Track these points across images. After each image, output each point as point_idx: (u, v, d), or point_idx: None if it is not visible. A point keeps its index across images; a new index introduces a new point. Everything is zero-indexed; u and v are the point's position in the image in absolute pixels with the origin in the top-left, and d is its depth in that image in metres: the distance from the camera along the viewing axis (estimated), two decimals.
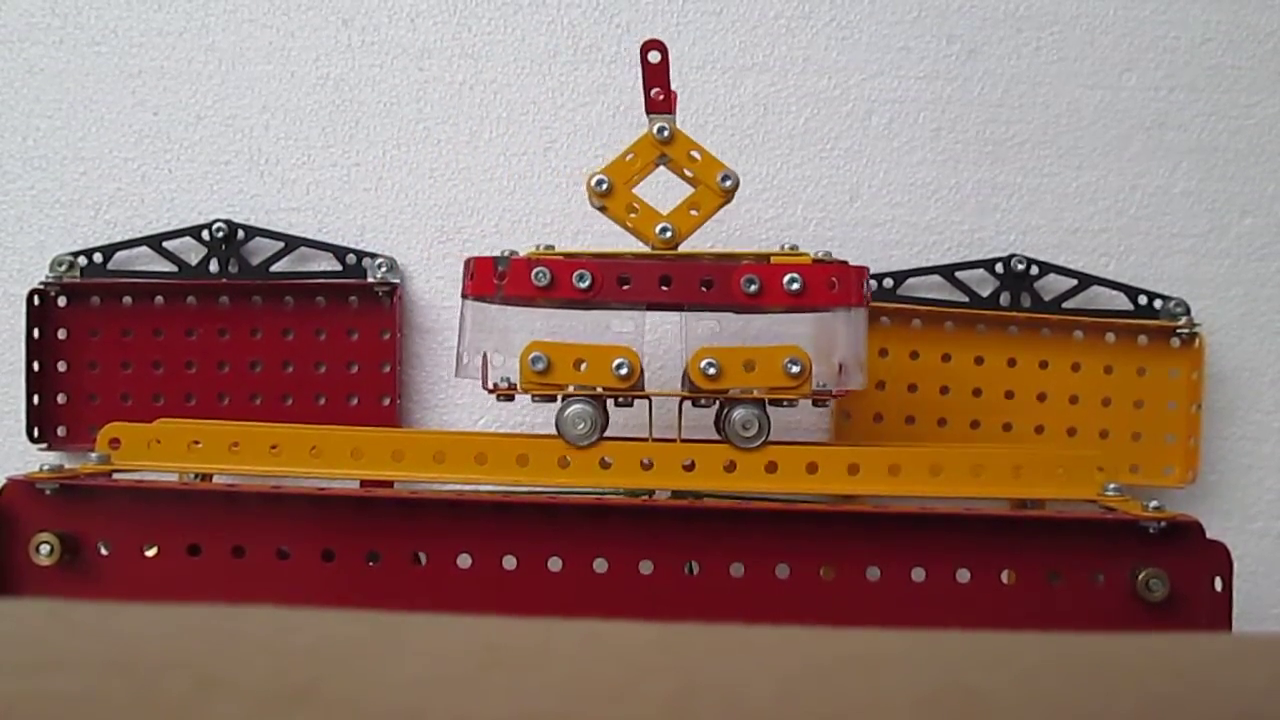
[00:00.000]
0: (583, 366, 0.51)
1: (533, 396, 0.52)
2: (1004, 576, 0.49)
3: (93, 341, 0.66)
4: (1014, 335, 0.67)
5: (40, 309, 0.65)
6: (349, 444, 0.53)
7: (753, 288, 0.50)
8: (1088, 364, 0.67)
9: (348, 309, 0.67)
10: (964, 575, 0.49)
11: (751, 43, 0.69)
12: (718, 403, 0.54)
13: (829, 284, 0.51)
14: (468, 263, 0.53)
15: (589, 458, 0.52)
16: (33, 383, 0.65)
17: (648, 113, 0.54)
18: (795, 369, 0.51)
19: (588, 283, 0.50)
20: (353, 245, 0.68)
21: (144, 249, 0.67)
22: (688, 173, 0.55)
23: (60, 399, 0.66)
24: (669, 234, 0.54)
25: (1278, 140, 0.70)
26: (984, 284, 0.68)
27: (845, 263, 0.53)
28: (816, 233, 0.69)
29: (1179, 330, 0.66)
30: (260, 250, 0.67)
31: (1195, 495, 0.68)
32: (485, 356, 0.54)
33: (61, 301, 0.66)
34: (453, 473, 0.52)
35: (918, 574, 0.49)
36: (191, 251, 0.67)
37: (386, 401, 0.67)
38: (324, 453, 0.53)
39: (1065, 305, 0.68)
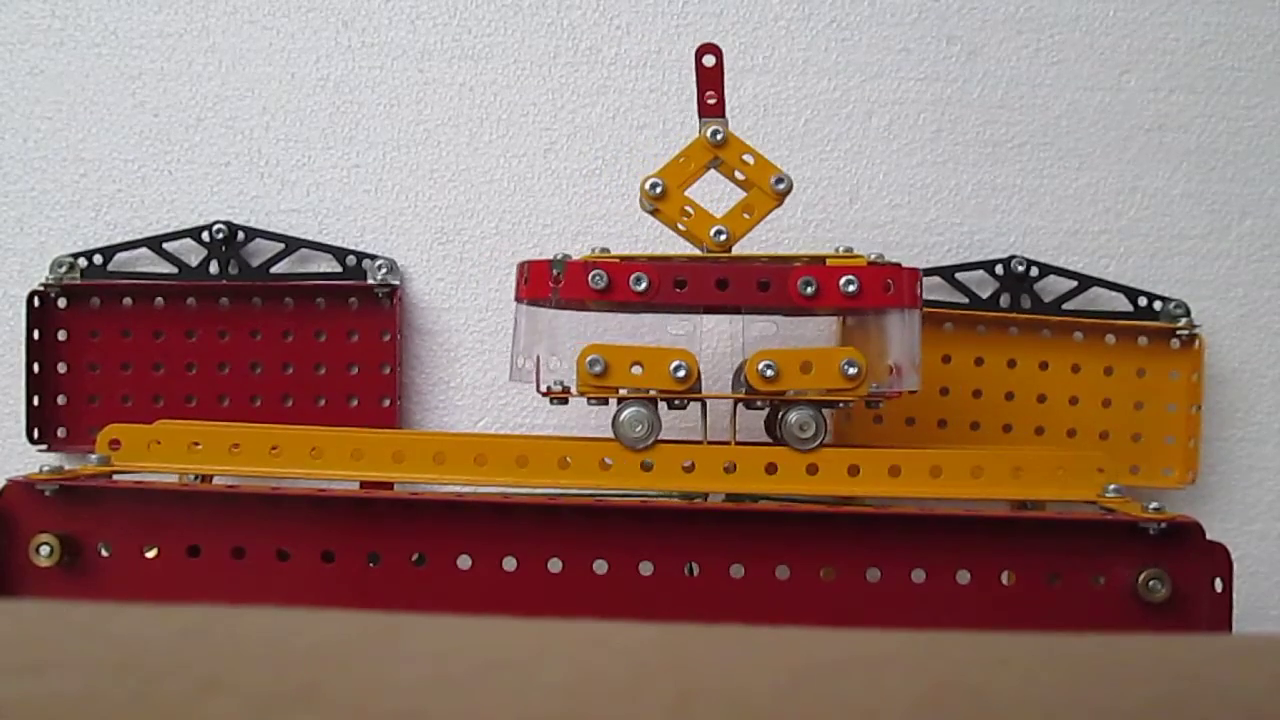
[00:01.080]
0: (640, 369, 0.51)
1: (588, 399, 0.52)
2: (1004, 577, 0.49)
3: (93, 343, 0.66)
4: (1014, 336, 0.67)
5: (40, 310, 0.65)
6: (349, 445, 0.53)
7: (809, 290, 0.50)
8: (1088, 365, 0.67)
9: (348, 310, 0.67)
10: (964, 576, 0.49)
11: (752, 44, 0.69)
12: (770, 405, 0.54)
13: (884, 286, 0.51)
14: (522, 266, 0.53)
15: (591, 458, 0.52)
16: (33, 384, 0.65)
17: (700, 116, 0.54)
18: (852, 370, 0.51)
19: (644, 285, 0.50)
20: (353, 247, 0.68)
21: (144, 250, 0.67)
22: (739, 175, 0.55)
23: (60, 400, 0.66)
24: (724, 237, 0.54)
25: (1277, 142, 0.70)
26: (984, 285, 0.68)
27: (899, 265, 0.53)
28: (816, 234, 0.69)
29: (1179, 332, 0.66)
30: (260, 252, 0.67)
31: (1195, 496, 0.68)
32: (538, 360, 0.53)
33: (62, 303, 0.66)
34: (453, 474, 0.52)
35: (918, 575, 0.49)
36: (192, 253, 0.67)
37: (386, 403, 0.67)
38: (324, 454, 0.53)
39: (1065, 307, 0.68)
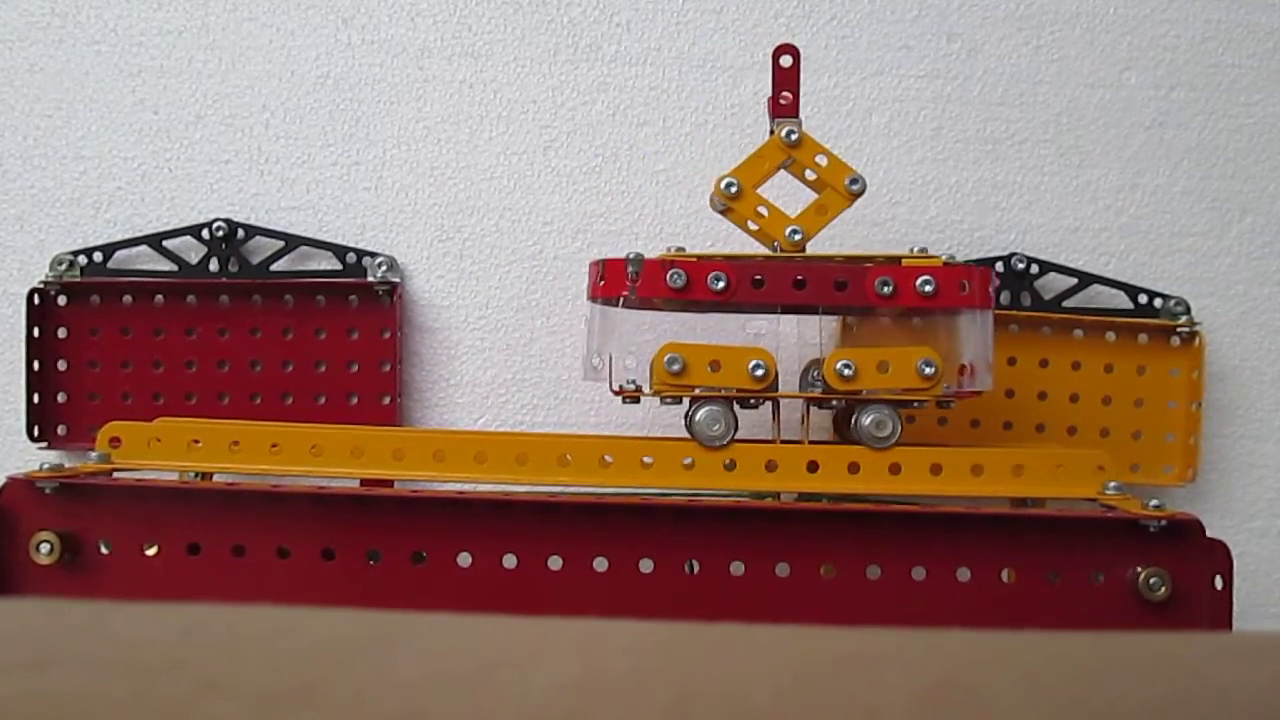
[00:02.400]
0: (717, 368, 0.51)
1: (662, 399, 0.52)
2: (1004, 575, 0.49)
3: (93, 340, 0.66)
4: (1014, 334, 0.67)
5: (40, 308, 0.65)
6: (349, 443, 0.53)
7: (887, 289, 0.51)
8: (1088, 363, 0.67)
9: (348, 308, 0.67)
10: (964, 574, 0.49)
11: (751, 42, 0.69)
12: (843, 404, 0.54)
13: (960, 286, 0.51)
14: (596, 264, 0.53)
15: (590, 456, 0.52)
16: (33, 382, 0.65)
17: (773, 116, 0.55)
18: (929, 370, 0.51)
19: (723, 284, 0.51)
20: (353, 244, 0.68)
21: (144, 248, 0.67)
22: (809, 175, 0.55)
23: (60, 398, 0.66)
24: (799, 236, 0.54)
25: (1278, 139, 0.70)
26: None
27: (972, 265, 0.53)
28: None
29: (1179, 329, 0.66)
30: (260, 249, 0.67)
31: (1195, 494, 0.68)
32: (610, 359, 0.53)
33: (61, 300, 0.66)
34: (453, 471, 0.52)
35: (918, 573, 0.49)
36: (192, 250, 0.67)
37: (387, 400, 0.67)
38: (324, 451, 0.53)
39: (1065, 304, 0.68)
